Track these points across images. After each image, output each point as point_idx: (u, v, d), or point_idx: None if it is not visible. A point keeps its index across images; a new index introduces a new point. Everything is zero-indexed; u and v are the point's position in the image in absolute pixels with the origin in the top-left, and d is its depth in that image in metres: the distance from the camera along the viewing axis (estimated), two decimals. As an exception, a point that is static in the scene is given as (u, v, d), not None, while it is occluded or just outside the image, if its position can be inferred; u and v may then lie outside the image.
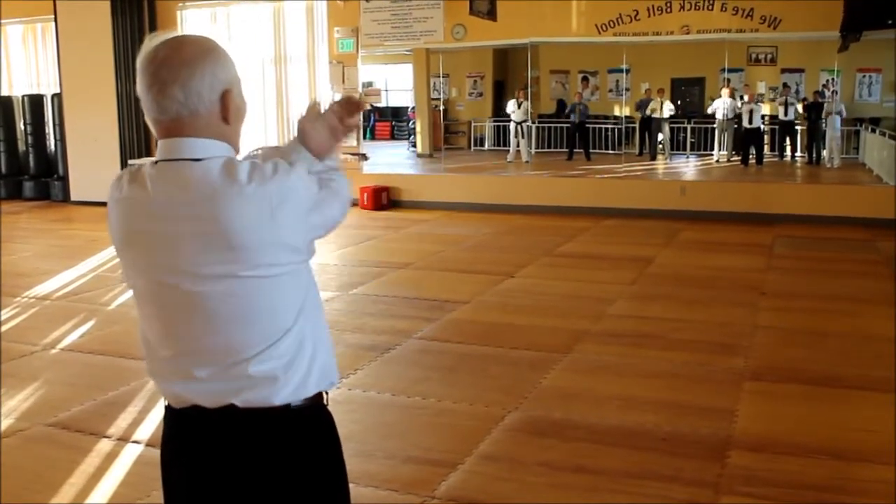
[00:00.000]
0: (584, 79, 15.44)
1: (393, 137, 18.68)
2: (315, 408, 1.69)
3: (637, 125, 14.51)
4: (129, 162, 12.44)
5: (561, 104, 15.35)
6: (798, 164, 13.73)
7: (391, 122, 19.01)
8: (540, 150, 14.69)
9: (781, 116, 13.20)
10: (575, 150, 14.37)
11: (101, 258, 8.64)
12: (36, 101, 13.93)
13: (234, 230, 1.52)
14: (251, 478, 1.63)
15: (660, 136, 14.17)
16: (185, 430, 1.68)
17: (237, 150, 1.66)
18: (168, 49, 1.57)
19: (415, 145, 16.06)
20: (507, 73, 16.01)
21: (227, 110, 1.60)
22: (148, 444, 3.89)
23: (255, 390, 1.60)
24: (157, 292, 1.62)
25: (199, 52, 1.57)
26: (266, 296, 1.59)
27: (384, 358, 5.19)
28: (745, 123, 12.78)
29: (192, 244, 1.55)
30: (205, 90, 1.56)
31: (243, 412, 1.61)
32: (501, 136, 15.30)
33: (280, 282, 1.60)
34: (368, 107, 13.57)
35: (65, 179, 13.49)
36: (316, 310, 1.71)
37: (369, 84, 13.17)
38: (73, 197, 13.24)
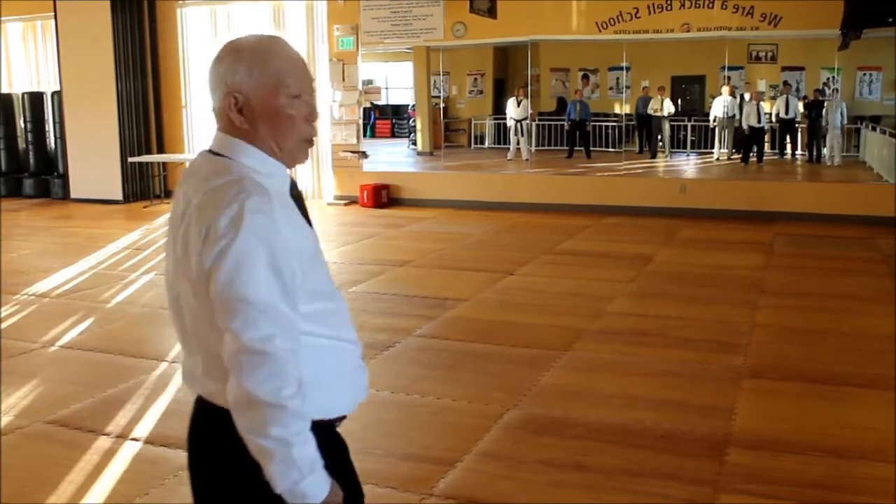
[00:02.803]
0: (585, 77, 15.41)
1: (393, 135, 18.66)
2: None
3: (636, 123, 14.50)
4: (129, 160, 12.45)
5: (561, 102, 15.33)
6: (798, 162, 13.71)
7: (391, 120, 18.99)
8: (540, 148, 14.68)
9: (782, 114, 13.19)
10: (575, 148, 14.37)
11: (100, 256, 8.65)
12: (36, 99, 13.91)
13: (196, 231, 1.53)
14: (235, 470, 1.60)
15: (660, 135, 14.16)
16: (192, 418, 1.73)
17: (270, 151, 1.61)
18: (218, 49, 1.65)
19: (415, 143, 16.05)
20: (507, 71, 15.98)
21: (236, 111, 1.59)
22: (147, 442, 3.90)
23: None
24: (166, 284, 1.71)
25: (225, 52, 1.62)
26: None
27: (383, 356, 5.19)
28: (746, 122, 12.77)
29: (182, 234, 1.57)
30: (219, 89, 1.61)
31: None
32: (502, 134, 15.29)
33: None
34: (367, 104, 13.55)
35: (65, 177, 13.47)
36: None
37: (369, 82, 13.15)
38: (73, 194, 13.19)
